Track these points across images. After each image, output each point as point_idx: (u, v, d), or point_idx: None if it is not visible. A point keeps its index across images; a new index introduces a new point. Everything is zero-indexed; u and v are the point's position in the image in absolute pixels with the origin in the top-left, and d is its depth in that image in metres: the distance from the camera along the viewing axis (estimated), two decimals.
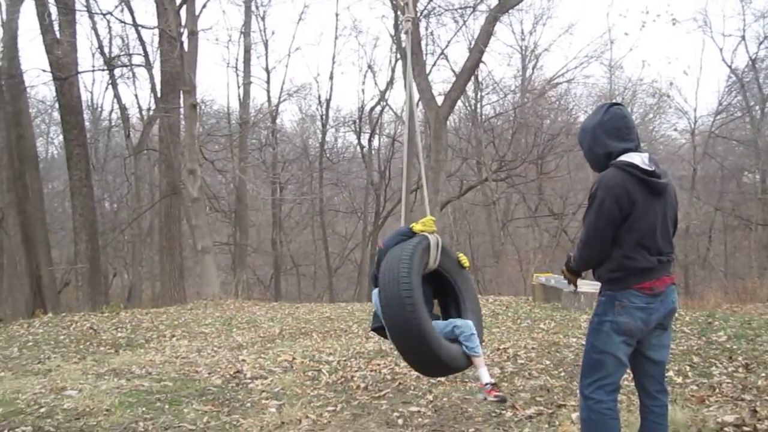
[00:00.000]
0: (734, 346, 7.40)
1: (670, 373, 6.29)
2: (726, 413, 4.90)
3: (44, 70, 22.66)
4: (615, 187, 3.49)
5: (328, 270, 30.67)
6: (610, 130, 3.63)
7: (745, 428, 4.55)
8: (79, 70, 19.42)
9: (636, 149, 3.62)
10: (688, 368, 6.50)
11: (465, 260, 5.23)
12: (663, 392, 3.82)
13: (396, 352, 7.68)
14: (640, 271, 3.55)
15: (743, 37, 27.90)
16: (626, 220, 3.51)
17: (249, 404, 6.01)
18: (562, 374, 6.52)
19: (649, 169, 3.51)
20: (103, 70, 25.46)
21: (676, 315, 9.99)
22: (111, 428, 5.22)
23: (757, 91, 27.50)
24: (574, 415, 5.05)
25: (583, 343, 7.57)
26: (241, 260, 27.42)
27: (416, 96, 18.14)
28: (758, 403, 5.14)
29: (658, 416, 3.82)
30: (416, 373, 6.74)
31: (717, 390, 5.66)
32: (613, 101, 3.97)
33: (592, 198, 3.57)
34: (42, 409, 5.66)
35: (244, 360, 7.82)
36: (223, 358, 8.08)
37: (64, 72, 17.51)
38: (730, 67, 27.84)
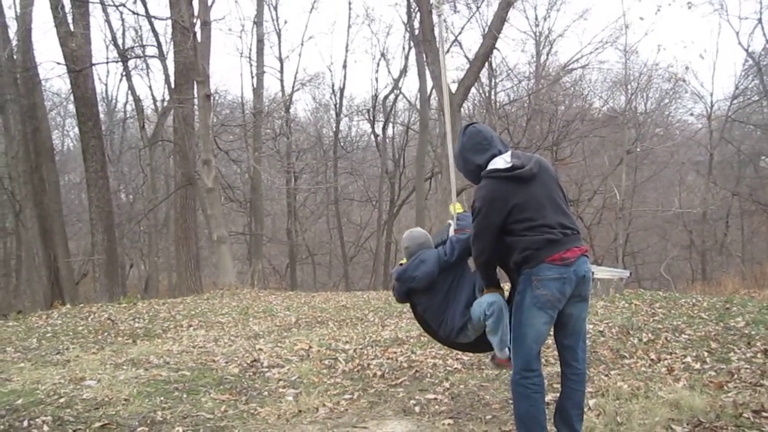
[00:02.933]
0: (752, 332, 7.35)
1: (688, 359, 6.27)
2: (745, 398, 4.88)
3: (58, 63, 22.74)
4: (486, 196, 3.94)
5: (343, 259, 30.71)
6: (471, 148, 4.10)
7: (764, 414, 4.54)
8: (94, 62, 19.42)
9: (499, 153, 4.05)
10: (706, 354, 6.47)
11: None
12: (580, 360, 4.13)
13: (412, 341, 7.70)
14: (546, 244, 3.88)
15: (760, 20, 27.51)
16: (509, 214, 3.90)
17: (266, 393, 6.04)
18: None
19: (509, 166, 3.94)
20: (117, 61, 25.51)
21: (693, 301, 9.97)
22: (130, 417, 5.25)
23: None
24: (592, 402, 5.06)
25: (600, 329, 7.60)
26: (256, 250, 27.50)
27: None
28: None
29: (574, 383, 4.13)
30: (432, 361, 6.78)
31: (735, 376, 5.63)
32: (469, 122, 4.52)
33: (473, 209, 4.01)
34: (61, 399, 5.70)
35: (260, 349, 7.85)
36: (240, 347, 8.11)
37: (78, 64, 17.54)
38: (746, 50, 27.55)
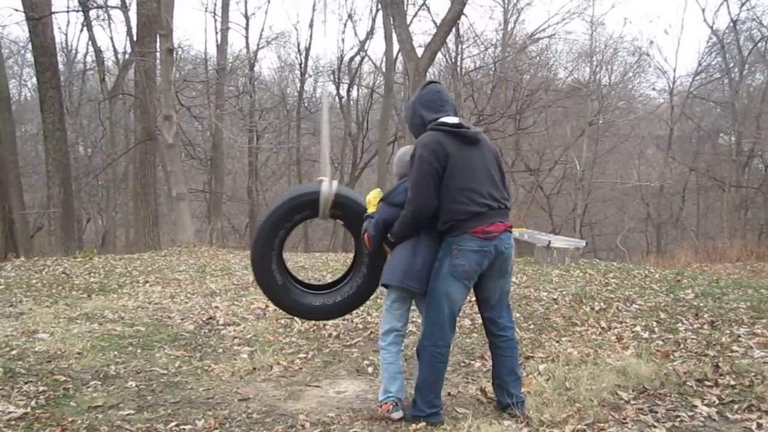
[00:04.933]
0: (701, 304, 7.53)
1: (637, 328, 6.42)
2: (689, 367, 5.01)
3: (17, 10, 22.18)
4: (429, 143, 3.99)
5: (317, 221, 30.57)
6: (426, 102, 4.18)
7: (707, 382, 4.67)
8: (54, 10, 18.97)
9: (448, 113, 4.16)
10: (654, 324, 6.62)
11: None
12: (506, 328, 4.27)
13: (369, 302, 7.77)
14: (471, 215, 3.96)
15: None
16: (445, 170, 3.97)
17: (221, 350, 6.06)
18: (532, 327, 6.61)
19: (456, 122, 4.08)
20: (77, 11, 24.86)
21: (646, 273, 10.18)
22: (82, 371, 5.24)
23: (736, 53, 27.55)
24: (542, 366, 5.16)
25: (554, 297, 7.72)
26: (216, 208, 27.32)
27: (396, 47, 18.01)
28: (721, 358, 5.26)
29: (504, 350, 4.27)
30: None
31: (682, 345, 5.78)
32: (431, 80, 4.52)
33: (413, 157, 4.04)
34: (13, 351, 5.66)
35: (217, 307, 7.85)
36: (196, 304, 8.09)
37: (37, 12, 17.10)
38: (711, 27, 27.95)
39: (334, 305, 4.67)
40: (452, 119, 4.12)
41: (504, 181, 4.22)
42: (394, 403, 4.16)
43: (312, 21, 30.92)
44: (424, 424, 4.07)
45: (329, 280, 5.04)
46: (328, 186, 4.43)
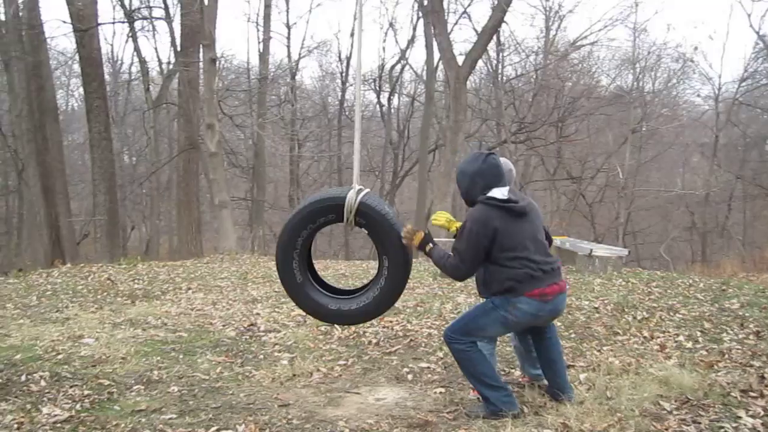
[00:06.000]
0: (746, 314, 7.39)
1: (681, 338, 6.33)
2: (734, 378, 4.93)
3: (64, 22, 22.64)
4: (479, 218, 4.24)
5: (344, 228, 30.66)
6: (489, 176, 4.35)
7: (752, 393, 4.58)
8: (100, 21, 19.34)
9: (500, 186, 4.37)
10: (698, 334, 6.52)
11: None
12: (551, 334, 4.69)
13: (409, 310, 7.77)
14: (527, 278, 4.25)
15: None
16: (493, 242, 4.23)
17: (262, 356, 6.11)
18: (573, 336, 6.56)
19: (505, 198, 4.28)
20: (123, 22, 25.33)
21: (690, 282, 10.03)
22: (126, 375, 5.33)
23: None
24: (583, 376, 5.11)
25: (595, 305, 7.64)
26: (258, 216, 27.53)
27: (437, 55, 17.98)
28: (767, 369, 5.16)
29: (547, 334, 4.67)
30: (427, 330, 6.84)
31: (726, 356, 5.68)
32: (489, 151, 4.66)
33: (462, 228, 4.32)
34: (59, 356, 5.78)
35: (258, 313, 7.92)
36: (238, 311, 8.17)
37: (84, 23, 17.45)
38: (757, 33, 27.33)
39: (349, 312, 4.67)
40: (502, 193, 4.32)
41: (550, 245, 4.62)
42: None
43: (353, 30, 31.05)
44: (464, 431, 4.08)
45: (357, 287, 5.04)
46: (353, 194, 4.48)
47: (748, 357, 5.59)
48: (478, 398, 4.56)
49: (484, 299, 4.48)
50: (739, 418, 4.18)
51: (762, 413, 4.24)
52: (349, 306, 4.66)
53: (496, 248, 4.24)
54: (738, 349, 5.89)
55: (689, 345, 6.11)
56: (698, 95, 33.01)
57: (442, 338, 4.63)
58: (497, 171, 4.37)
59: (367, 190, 4.63)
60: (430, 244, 4.43)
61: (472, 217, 4.28)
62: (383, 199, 4.69)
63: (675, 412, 4.31)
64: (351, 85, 31.92)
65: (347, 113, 31.90)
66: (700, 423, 4.11)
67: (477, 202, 4.34)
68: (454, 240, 4.52)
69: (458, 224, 4.80)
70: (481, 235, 4.21)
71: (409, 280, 4.68)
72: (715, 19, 57.21)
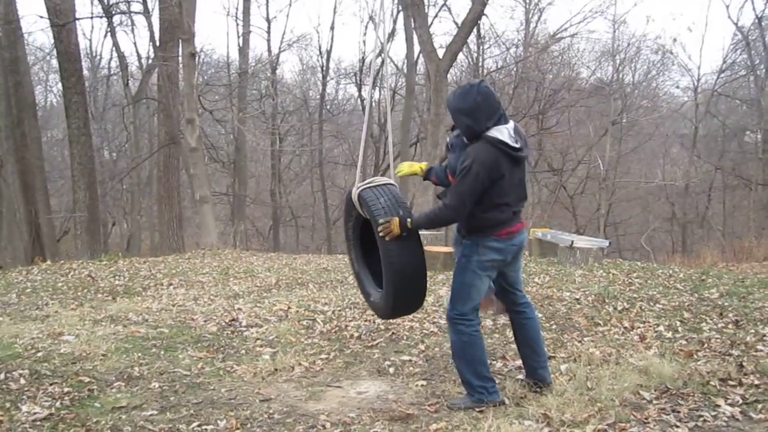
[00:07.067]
0: (725, 303, 7.46)
1: (661, 328, 6.37)
2: (713, 367, 4.97)
3: (41, 17, 22.46)
4: (487, 162, 4.09)
5: (326, 222, 30.74)
6: (486, 110, 4.14)
7: (731, 382, 4.62)
8: (77, 16, 19.19)
9: (500, 119, 4.19)
10: (678, 323, 6.57)
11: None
12: (524, 305, 4.67)
13: None
14: (499, 222, 4.27)
15: None
16: (492, 187, 4.14)
17: (243, 351, 6.09)
18: (554, 327, 6.58)
19: (516, 146, 4.15)
20: (101, 17, 25.20)
21: (670, 272, 10.11)
22: (107, 372, 5.29)
23: (762, 49, 27.22)
24: (564, 366, 5.13)
25: (577, 297, 7.69)
26: (239, 211, 27.47)
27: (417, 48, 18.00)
28: (745, 358, 5.21)
29: (527, 314, 4.67)
30: (409, 324, 6.85)
31: (705, 345, 5.72)
32: (479, 80, 4.43)
33: (467, 170, 4.10)
34: (39, 353, 5.73)
35: (239, 309, 7.89)
36: (219, 306, 8.14)
37: (61, 18, 17.31)
38: (736, 24, 27.62)
39: (378, 304, 4.74)
40: (511, 137, 4.16)
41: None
42: None
43: (333, 24, 31.04)
44: (445, 423, 4.09)
45: None
46: (355, 189, 4.57)
47: (727, 346, 5.64)
48: (460, 392, 4.57)
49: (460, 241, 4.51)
50: (718, 406, 4.21)
51: (740, 401, 4.28)
52: (379, 299, 4.74)
53: (490, 192, 4.16)
54: (717, 338, 5.94)
55: (669, 335, 6.15)
56: (677, 87, 33.21)
57: (446, 321, 4.54)
58: (494, 100, 4.18)
59: (384, 181, 4.66)
60: (409, 219, 4.32)
61: (478, 158, 4.10)
62: (390, 191, 4.55)
63: (655, 402, 4.34)
64: (332, 79, 31.92)
65: (328, 107, 31.86)
66: (679, 412, 4.14)
67: (482, 138, 4.16)
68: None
69: (423, 165, 4.86)
70: (486, 179, 4.10)
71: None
72: (694, 10, 57.56)
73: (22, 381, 4.99)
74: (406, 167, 4.86)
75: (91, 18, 27.13)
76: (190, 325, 7.09)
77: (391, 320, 6.48)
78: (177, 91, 19.41)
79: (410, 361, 5.59)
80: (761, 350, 5.43)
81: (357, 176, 4.83)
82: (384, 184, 4.60)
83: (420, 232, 4.50)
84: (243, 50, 27.90)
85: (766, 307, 7.18)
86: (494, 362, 5.49)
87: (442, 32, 46.94)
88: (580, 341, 6.00)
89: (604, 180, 24.31)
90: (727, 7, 31.31)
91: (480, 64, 26.14)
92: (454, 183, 4.25)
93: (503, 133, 4.13)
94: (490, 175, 4.10)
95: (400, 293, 4.48)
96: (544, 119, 25.34)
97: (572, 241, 11.28)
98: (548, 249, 12.31)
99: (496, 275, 4.49)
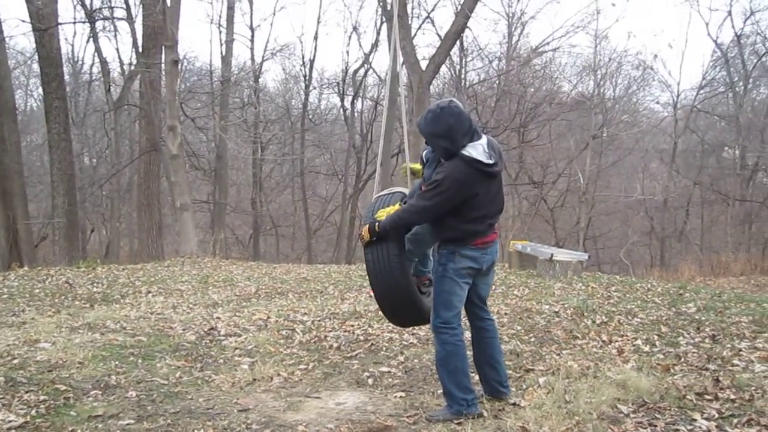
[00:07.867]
0: (702, 318, 7.51)
1: (638, 342, 6.40)
2: (690, 381, 5.00)
3: (23, 21, 22.29)
4: (460, 178, 4.16)
5: (307, 231, 30.70)
6: (459, 130, 4.18)
7: (707, 396, 4.65)
8: (60, 21, 19.10)
9: (474, 135, 4.24)
10: (656, 337, 6.60)
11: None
12: (488, 321, 4.70)
13: (370, 314, 7.77)
14: (476, 233, 4.34)
15: (730, 12, 28.07)
16: (465, 202, 4.22)
17: (222, 360, 6.06)
18: (532, 340, 6.61)
19: (490, 161, 4.20)
20: (84, 22, 25.04)
21: (649, 286, 10.18)
22: (83, 381, 5.25)
23: (741, 66, 27.59)
24: (542, 379, 5.14)
25: (555, 309, 7.72)
26: (219, 219, 27.36)
27: (401, 59, 18.00)
28: (722, 372, 5.24)
29: (490, 332, 4.70)
30: (389, 335, 6.85)
31: (682, 359, 5.76)
32: (448, 100, 4.38)
33: (438, 184, 4.18)
34: (15, 361, 5.68)
35: (218, 317, 7.86)
36: (198, 315, 8.11)
37: (43, 23, 17.23)
38: (715, 41, 27.98)
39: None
40: (485, 153, 4.21)
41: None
42: None
43: (316, 33, 31.07)
44: None
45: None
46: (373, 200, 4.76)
47: (703, 360, 5.68)
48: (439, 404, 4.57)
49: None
50: (695, 420, 4.24)
51: (716, 416, 4.31)
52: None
53: (465, 207, 4.24)
54: (694, 352, 5.98)
55: (647, 349, 6.19)
56: (657, 102, 33.48)
57: (430, 331, 4.54)
58: (465, 117, 4.21)
59: (393, 190, 4.86)
60: (377, 223, 4.37)
61: (452, 176, 4.16)
62: (387, 199, 4.75)
63: (632, 415, 4.36)
64: (314, 88, 31.89)
65: (310, 116, 31.84)
66: (656, 426, 4.16)
67: (458, 157, 4.20)
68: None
69: (418, 166, 4.94)
70: (455, 195, 4.17)
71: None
72: (675, 27, 58.23)
73: None
74: (417, 166, 4.97)
75: (74, 23, 27.03)
76: (169, 334, 7.05)
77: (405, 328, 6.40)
78: (159, 97, 19.34)
79: (389, 372, 5.60)
80: (737, 365, 5.47)
81: (375, 187, 4.92)
82: (390, 193, 4.80)
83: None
84: (226, 58, 27.88)
85: (742, 321, 7.24)
86: (473, 374, 5.50)
87: (426, 44, 47.10)
88: (558, 354, 6.02)
89: (584, 193, 24.44)
90: (707, 24, 31.71)
91: (462, 76, 26.26)
92: (422, 191, 4.31)
93: (478, 149, 4.20)
94: (461, 192, 4.18)
95: (385, 300, 4.58)
96: (525, 132, 25.48)
97: (552, 254, 11.34)
98: (528, 261, 12.35)
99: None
